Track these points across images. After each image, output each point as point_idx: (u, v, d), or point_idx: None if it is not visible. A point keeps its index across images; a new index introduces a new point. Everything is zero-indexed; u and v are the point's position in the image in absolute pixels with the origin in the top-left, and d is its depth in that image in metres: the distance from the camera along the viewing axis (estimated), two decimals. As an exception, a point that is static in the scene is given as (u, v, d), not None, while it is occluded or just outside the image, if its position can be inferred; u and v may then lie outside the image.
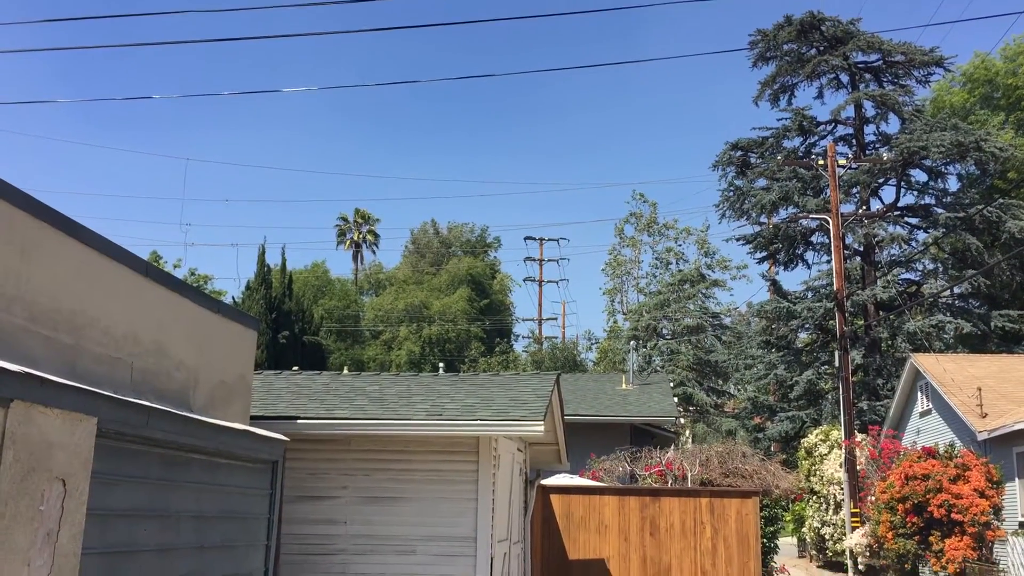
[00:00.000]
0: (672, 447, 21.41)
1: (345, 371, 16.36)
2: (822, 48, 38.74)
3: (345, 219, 70.27)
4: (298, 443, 9.37)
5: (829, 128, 39.42)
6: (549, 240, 60.57)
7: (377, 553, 9.61)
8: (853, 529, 24.11)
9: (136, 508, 5.75)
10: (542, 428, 9.40)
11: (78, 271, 5.92)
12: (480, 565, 9.45)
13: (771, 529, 17.21)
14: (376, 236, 70.83)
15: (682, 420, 39.44)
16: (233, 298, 38.77)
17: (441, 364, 40.16)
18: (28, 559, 4.60)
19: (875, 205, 38.33)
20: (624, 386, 28.89)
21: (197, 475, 6.56)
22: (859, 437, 25.87)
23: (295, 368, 16.85)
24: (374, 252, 71.25)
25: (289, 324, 36.54)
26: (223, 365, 8.00)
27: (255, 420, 8.77)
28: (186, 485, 6.39)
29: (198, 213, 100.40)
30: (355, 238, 69.95)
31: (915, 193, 37.72)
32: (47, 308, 5.57)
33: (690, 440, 38.67)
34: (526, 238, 60.66)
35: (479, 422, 9.36)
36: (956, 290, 36.69)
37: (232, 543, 7.14)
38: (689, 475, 17.57)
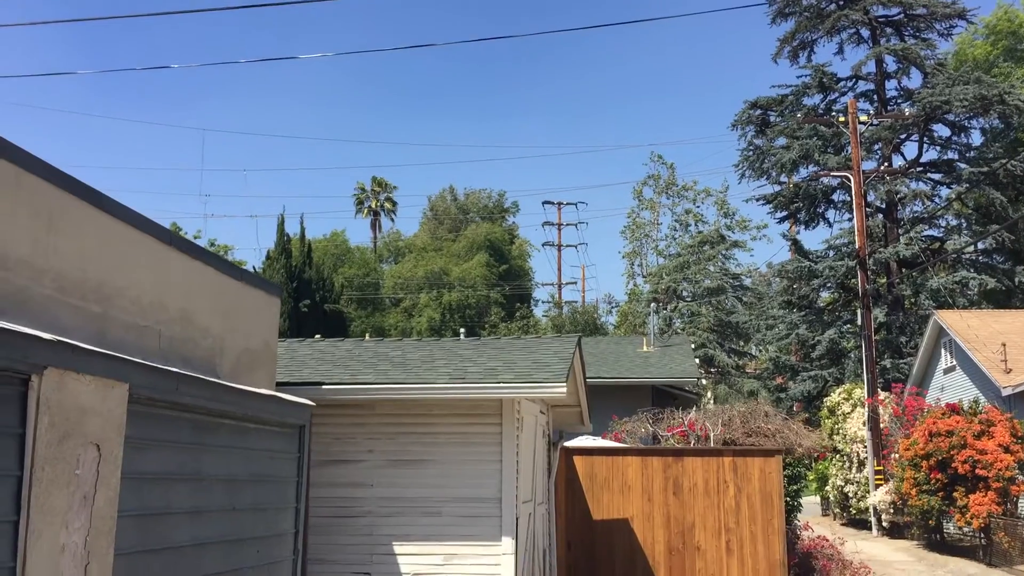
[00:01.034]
0: (694, 408, 21.41)
1: (367, 338, 16.47)
2: (842, 2, 38.11)
3: (363, 188, 70.32)
4: (323, 408, 9.47)
5: (850, 84, 38.89)
6: (567, 204, 60.45)
7: (403, 515, 9.73)
8: (877, 487, 24.16)
9: (168, 472, 5.87)
10: (564, 390, 9.46)
11: (104, 241, 6.00)
12: (505, 526, 9.56)
13: (794, 488, 17.25)
14: (394, 204, 70.92)
15: (704, 381, 39.50)
16: (254, 268, 38.99)
17: (462, 330, 40.30)
18: (66, 521, 4.72)
19: (897, 161, 37.91)
20: (645, 348, 28.93)
21: (227, 439, 6.67)
22: (882, 395, 25.82)
23: (317, 336, 17.01)
24: (392, 220, 71.38)
25: (310, 293, 36.78)
26: (248, 332, 8.09)
27: (281, 386, 8.87)
28: (216, 449, 6.50)
29: (216, 184, 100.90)
30: (373, 206, 70.03)
31: (938, 148, 37.25)
32: (75, 278, 5.65)
33: (712, 401, 38.71)
34: (544, 202, 60.66)
35: (502, 385, 9.43)
36: (980, 246, 36.32)
37: (263, 505, 7.26)
38: (712, 435, 17.61)
